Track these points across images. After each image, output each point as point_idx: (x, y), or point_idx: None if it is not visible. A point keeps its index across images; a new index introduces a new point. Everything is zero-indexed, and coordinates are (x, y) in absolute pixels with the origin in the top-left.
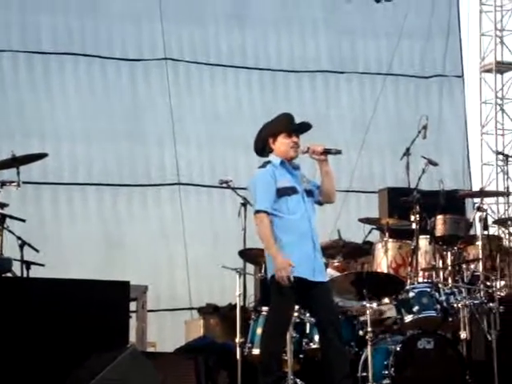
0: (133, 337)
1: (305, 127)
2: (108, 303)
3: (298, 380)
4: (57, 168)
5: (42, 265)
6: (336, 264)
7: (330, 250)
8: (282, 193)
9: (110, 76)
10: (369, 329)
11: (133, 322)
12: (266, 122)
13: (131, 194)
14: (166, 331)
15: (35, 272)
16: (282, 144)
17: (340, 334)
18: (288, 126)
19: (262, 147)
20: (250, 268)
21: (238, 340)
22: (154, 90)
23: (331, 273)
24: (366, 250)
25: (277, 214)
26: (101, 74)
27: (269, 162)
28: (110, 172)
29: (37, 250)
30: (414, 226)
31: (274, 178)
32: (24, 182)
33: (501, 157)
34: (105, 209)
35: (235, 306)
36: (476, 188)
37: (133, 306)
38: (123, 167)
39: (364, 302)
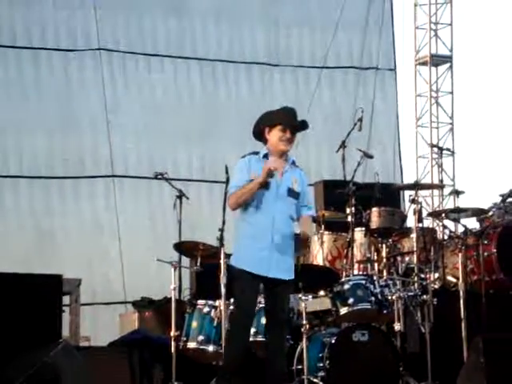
0: (66, 331)
1: (302, 126)
2: (40, 297)
3: None
4: None
5: None
6: None
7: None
8: None
9: (43, 66)
10: (304, 321)
11: (66, 317)
12: (270, 110)
13: (63, 186)
14: (100, 325)
15: None
16: (275, 136)
17: (283, 337)
18: (286, 120)
19: (259, 133)
20: (186, 261)
21: (173, 333)
22: (87, 80)
23: None
24: None
25: (247, 205)
26: (33, 64)
27: (255, 152)
28: (41, 164)
29: None
30: (349, 218)
31: (248, 167)
32: None
33: (435, 149)
34: (36, 201)
35: (170, 299)
36: (409, 181)
37: (66, 300)
38: (55, 159)
39: (299, 295)
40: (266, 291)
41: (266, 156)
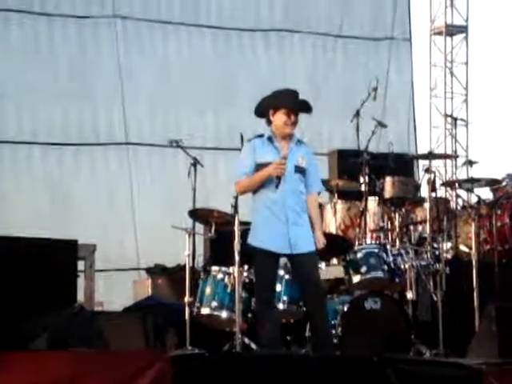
0: (81, 296)
1: (305, 108)
2: (55, 262)
3: (246, 339)
4: (1, 125)
5: None
6: None
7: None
8: (261, 168)
9: (57, 33)
10: None
11: (81, 282)
12: (274, 91)
13: (78, 153)
14: (113, 291)
15: None
16: (279, 119)
17: (319, 305)
18: (290, 103)
19: (261, 113)
20: (200, 229)
21: (186, 299)
22: (102, 47)
23: None
24: None
25: (259, 188)
26: (48, 30)
27: (260, 135)
28: (56, 130)
29: None
30: (362, 187)
31: (253, 151)
32: None
33: (449, 120)
34: (51, 167)
35: (184, 266)
36: (424, 151)
37: (81, 265)
38: (70, 126)
39: None
40: (291, 267)
41: (270, 139)
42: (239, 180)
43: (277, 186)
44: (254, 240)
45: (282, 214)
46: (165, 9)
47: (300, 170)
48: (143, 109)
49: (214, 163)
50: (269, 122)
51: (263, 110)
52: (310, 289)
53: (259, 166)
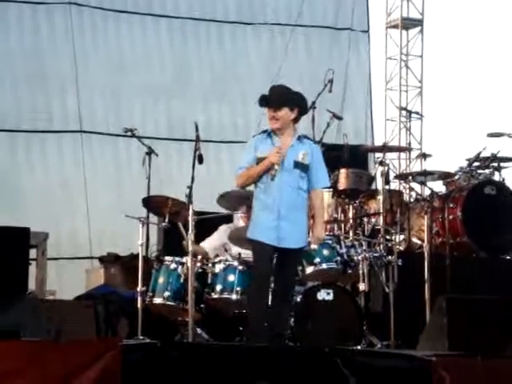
0: (32, 285)
1: (262, 102)
2: (7, 250)
3: (198, 329)
4: None
5: None
6: (241, 215)
7: (234, 201)
8: (260, 162)
9: (11, 18)
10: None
11: (32, 270)
12: None
13: (30, 140)
14: (66, 280)
15: None
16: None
17: (284, 301)
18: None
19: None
20: (154, 218)
21: (139, 289)
22: (57, 34)
23: (237, 223)
24: None
25: (257, 182)
26: (2, 16)
27: (265, 131)
28: (8, 116)
29: None
30: None
31: (255, 146)
32: None
33: (404, 113)
34: (2, 155)
35: (137, 255)
36: (379, 143)
37: (32, 253)
38: (22, 112)
39: None
40: (276, 259)
41: (269, 134)
42: (238, 173)
43: (272, 178)
44: (250, 231)
45: (275, 207)
46: None
47: (300, 166)
48: (96, 97)
49: (166, 154)
50: None
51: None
52: (282, 290)
53: (259, 160)
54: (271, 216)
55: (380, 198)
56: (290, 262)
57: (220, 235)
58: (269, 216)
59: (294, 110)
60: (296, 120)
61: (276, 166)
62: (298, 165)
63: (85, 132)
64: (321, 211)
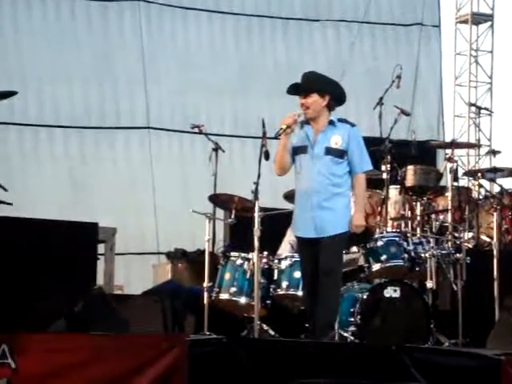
0: (100, 279)
1: (292, 89)
2: (76, 244)
3: (264, 325)
4: (23, 108)
5: (10, 203)
6: None
7: None
8: (295, 151)
9: (80, 16)
10: None
11: (101, 265)
12: None
13: (99, 136)
14: (133, 275)
15: (1, 211)
16: None
17: (323, 288)
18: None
19: None
20: (220, 213)
21: (205, 284)
22: (125, 32)
23: None
24: None
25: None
26: (70, 14)
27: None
28: (77, 113)
29: (5, 189)
30: (384, 175)
31: (293, 136)
32: None
33: (473, 109)
34: (72, 151)
35: (203, 251)
36: (448, 139)
37: (101, 248)
38: (91, 109)
39: None
40: (319, 247)
41: (302, 124)
42: None
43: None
44: (292, 226)
45: (308, 198)
46: None
47: (333, 153)
48: (164, 93)
49: (230, 150)
50: None
51: None
52: (321, 277)
53: (293, 150)
54: (305, 207)
55: (448, 194)
56: (328, 248)
57: (290, 232)
58: (303, 207)
59: (325, 97)
60: (330, 107)
61: (294, 126)
62: (330, 151)
63: (152, 128)
64: (360, 197)
